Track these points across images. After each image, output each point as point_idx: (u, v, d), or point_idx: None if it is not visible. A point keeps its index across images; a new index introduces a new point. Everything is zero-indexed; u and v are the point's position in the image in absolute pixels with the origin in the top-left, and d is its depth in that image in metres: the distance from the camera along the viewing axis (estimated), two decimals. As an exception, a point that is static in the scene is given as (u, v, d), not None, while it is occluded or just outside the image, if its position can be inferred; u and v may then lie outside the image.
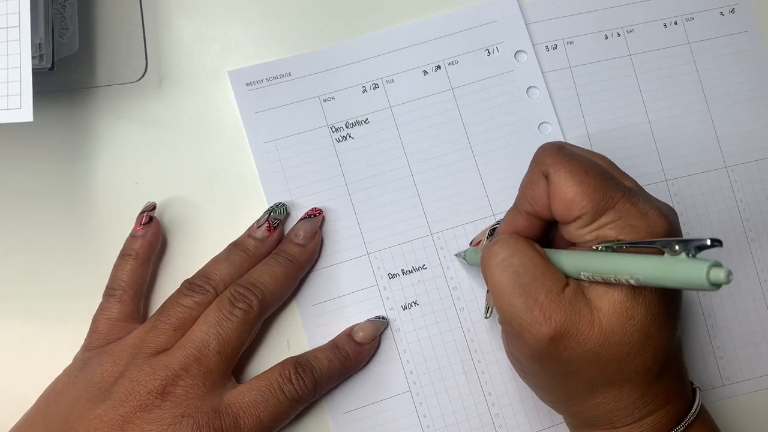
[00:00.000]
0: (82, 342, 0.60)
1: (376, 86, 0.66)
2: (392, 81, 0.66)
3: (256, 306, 0.57)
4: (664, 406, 0.52)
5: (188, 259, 0.63)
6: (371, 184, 0.65)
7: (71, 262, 0.63)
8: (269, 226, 0.62)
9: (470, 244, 0.64)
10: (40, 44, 0.58)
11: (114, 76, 0.65)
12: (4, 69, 0.54)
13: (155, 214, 0.62)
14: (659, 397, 0.52)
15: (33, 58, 0.55)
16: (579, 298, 0.49)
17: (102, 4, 0.65)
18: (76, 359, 0.59)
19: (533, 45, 0.68)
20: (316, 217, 0.63)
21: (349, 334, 0.61)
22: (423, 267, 0.64)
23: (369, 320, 0.62)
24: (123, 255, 0.61)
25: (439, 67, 0.67)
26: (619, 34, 0.69)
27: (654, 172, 0.67)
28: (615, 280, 0.46)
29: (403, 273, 0.64)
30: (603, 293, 0.48)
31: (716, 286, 0.39)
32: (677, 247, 0.43)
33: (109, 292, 0.60)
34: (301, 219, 0.63)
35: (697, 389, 0.55)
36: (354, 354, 0.60)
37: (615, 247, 0.48)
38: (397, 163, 0.65)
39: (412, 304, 0.64)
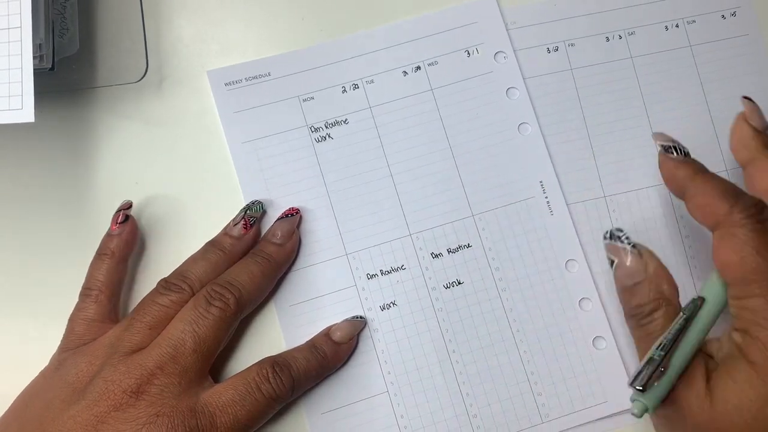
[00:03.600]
0: (83, 342, 0.61)
1: (356, 86, 0.66)
2: (372, 81, 0.66)
3: (232, 304, 0.57)
4: None
5: (180, 259, 0.63)
6: (350, 184, 0.65)
7: (72, 262, 0.63)
8: (245, 224, 0.62)
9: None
10: (40, 45, 0.58)
11: (114, 77, 0.65)
12: (6, 70, 0.55)
13: (132, 213, 0.62)
14: None
15: (33, 58, 0.55)
16: None
17: (103, 4, 0.65)
18: (52, 360, 0.59)
19: (533, 47, 0.68)
20: (293, 216, 0.63)
21: (326, 333, 0.61)
22: (402, 267, 0.64)
23: (346, 320, 0.62)
24: (99, 255, 0.61)
25: (419, 67, 0.67)
26: (620, 37, 0.68)
27: (654, 174, 0.66)
28: None
29: (381, 273, 0.64)
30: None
31: None
32: None
33: (86, 292, 0.60)
34: (278, 219, 0.63)
35: None
36: (331, 353, 0.60)
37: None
38: (376, 164, 0.65)
39: (391, 304, 0.63)
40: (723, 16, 0.69)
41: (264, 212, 0.64)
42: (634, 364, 0.59)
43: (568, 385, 0.63)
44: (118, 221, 0.62)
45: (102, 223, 0.63)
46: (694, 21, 0.69)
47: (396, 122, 0.66)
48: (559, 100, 0.67)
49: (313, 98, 0.66)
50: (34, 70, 0.55)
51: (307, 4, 0.68)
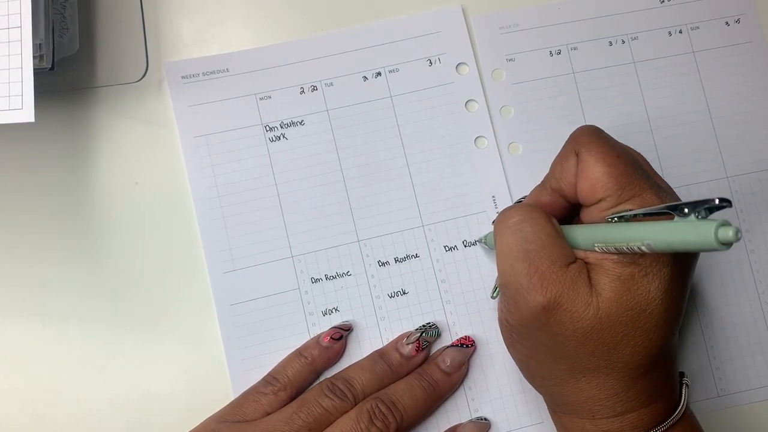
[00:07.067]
0: (81, 342, 0.61)
1: (314, 88, 0.66)
2: (331, 84, 0.66)
3: (392, 429, 0.57)
4: (649, 405, 0.52)
5: (181, 255, 0.64)
6: (302, 186, 0.65)
7: (72, 261, 0.63)
8: (418, 346, 0.61)
9: (492, 223, 0.64)
10: (40, 44, 0.57)
11: (115, 77, 0.65)
12: (6, 69, 0.54)
13: (347, 336, 0.63)
14: (644, 394, 0.51)
15: (33, 58, 0.55)
16: (581, 277, 0.49)
17: (103, 4, 0.65)
18: (207, 426, 0.59)
19: (536, 49, 0.68)
20: (467, 348, 0.62)
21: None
22: (347, 273, 0.64)
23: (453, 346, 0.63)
24: (299, 353, 0.62)
25: (379, 73, 0.67)
26: (623, 41, 0.68)
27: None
28: (628, 248, 0.46)
29: (326, 278, 0.64)
30: (607, 281, 0.48)
31: (726, 245, 0.39)
32: (686, 210, 0.42)
33: (271, 381, 0.61)
34: (451, 345, 0.63)
35: (685, 386, 0.55)
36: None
37: (627, 217, 0.48)
38: (329, 167, 0.65)
39: (333, 310, 0.64)
40: (727, 22, 0.69)
41: (439, 336, 0.63)
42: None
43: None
44: (333, 336, 0.62)
45: (102, 221, 0.63)
46: (698, 27, 0.69)
47: (352, 127, 0.66)
48: (561, 104, 0.67)
49: (270, 97, 0.66)
50: (34, 69, 0.55)
51: (307, 4, 0.68)
